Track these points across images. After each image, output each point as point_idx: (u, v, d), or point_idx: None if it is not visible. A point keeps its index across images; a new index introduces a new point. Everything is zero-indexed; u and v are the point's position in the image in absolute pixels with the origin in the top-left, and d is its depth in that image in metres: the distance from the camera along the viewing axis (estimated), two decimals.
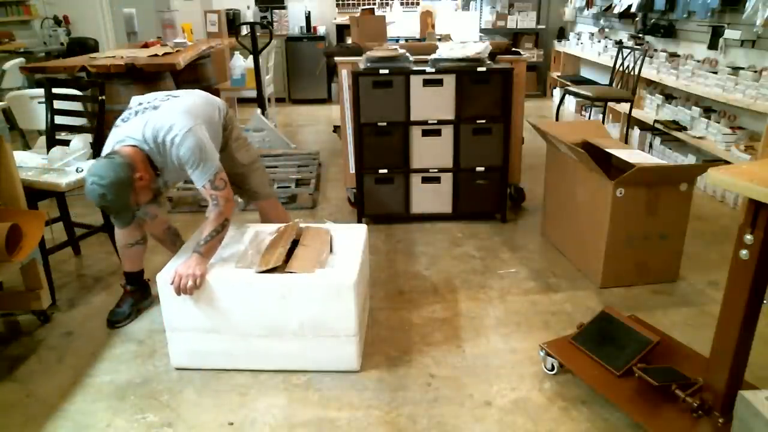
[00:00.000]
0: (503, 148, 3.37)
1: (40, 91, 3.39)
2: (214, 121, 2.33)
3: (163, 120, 2.11)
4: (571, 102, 6.62)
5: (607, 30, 6.43)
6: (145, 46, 5.09)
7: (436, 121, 3.32)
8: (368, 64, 3.29)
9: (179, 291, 2.04)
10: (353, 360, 2.15)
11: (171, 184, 2.44)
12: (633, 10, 5.46)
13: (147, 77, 4.15)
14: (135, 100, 2.30)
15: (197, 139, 2.09)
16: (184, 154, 2.08)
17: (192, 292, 2.04)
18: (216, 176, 2.14)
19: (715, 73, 4.09)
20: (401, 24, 7.27)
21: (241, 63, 5.08)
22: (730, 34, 4.07)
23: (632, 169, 2.52)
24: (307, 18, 7.51)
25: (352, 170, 3.65)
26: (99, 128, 3.06)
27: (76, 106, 3.36)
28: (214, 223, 2.15)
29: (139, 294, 2.61)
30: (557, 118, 5.45)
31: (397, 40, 6.13)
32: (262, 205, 2.71)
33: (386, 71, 3.22)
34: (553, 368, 2.13)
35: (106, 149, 2.15)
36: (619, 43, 5.42)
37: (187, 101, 2.24)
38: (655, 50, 5.16)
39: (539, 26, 7.59)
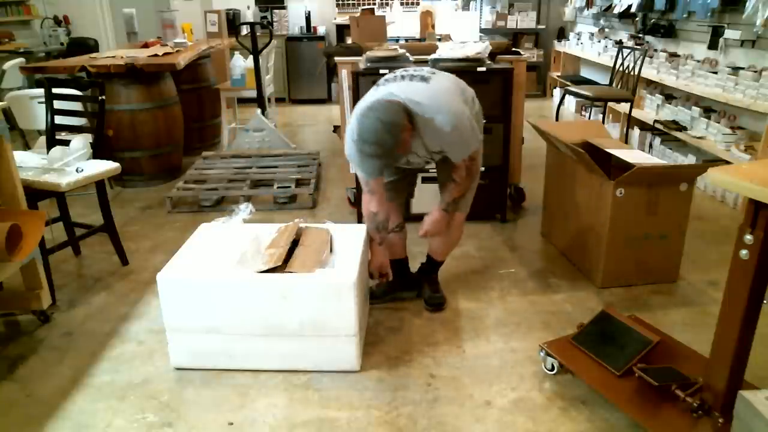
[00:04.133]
0: (503, 148, 3.37)
1: (40, 91, 3.39)
2: (464, 94, 2.30)
3: (433, 99, 2.10)
4: (571, 102, 6.62)
5: (607, 30, 6.43)
6: (145, 46, 5.09)
7: None
8: (368, 64, 3.29)
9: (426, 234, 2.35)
10: (353, 360, 2.15)
11: (407, 162, 2.36)
12: (633, 10, 5.46)
13: (147, 77, 4.16)
14: (398, 71, 2.31)
15: (464, 121, 2.12)
16: (453, 138, 2.11)
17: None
18: (473, 151, 2.21)
19: (715, 73, 4.09)
20: (401, 24, 7.27)
21: (241, 63, 5.08)
22: (730, 34, 4.07)
23: (632, 169, 2.52)
24: (307, 18, 7.51)
25: (352, 170, 3.65)
26: (99, 128, 3.06)
27: (76, 106, 3.36)
28: (461, 187, 2.28)
29: (398, 283, 2.64)
30: (557, 118, 5.45)
31: (397, 40, 6.13)
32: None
33: (386, 71, 3.21)
34: (553, 368, 2.13)
35: (369, 99, 2.13)
36: (619, 43, 5.43)
37: (451, 84, 2.26)
38: (655, 50, 5.16)
39: (539, 26, 7.59)
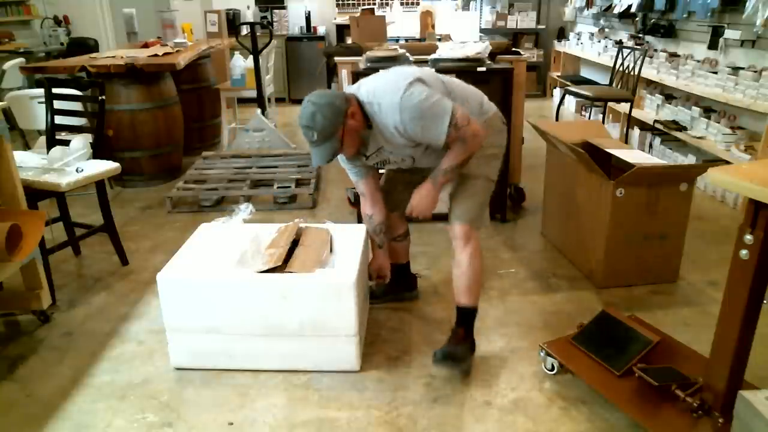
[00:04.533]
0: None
1: (40, 91, 3.39)
2: (454, 92, 2.11)
3: (378, 83, 2.03)
4: (571, 102, 6.62)
5: (607, 30, 6.43)
6: (145, 46, 5.09)
7: None
8: (368, 64, 3.29)
9: (412, 217, 2.21)
10: (353, 360, 2.15)
11: (380, 157, 2.19)
12: (633, 10, 5.46)
13: (147, 77, 4.16)
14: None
15: (413, 96, 1.92)
16: (409, 119, 1.93)
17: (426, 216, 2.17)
18: (453, 117, 1.94)
19: (715, 73, 4.09)
20: (401, 24, 7.27)
21: (241, 63, 5.08)
22: (730, 34, 4.07)
23: (632, 169, 2.52)
24: (307, 18, 7.51)
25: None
26: (99, 128, 3.06)
27: (76, 106, 3.36)
28: (457, 157, 2.05)
29: (398, 283, 2.61)
30: (557, 118, 5.45)
31: (397, 40, 6.13)
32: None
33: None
34: (553, 368, 2.13)
35: None
36: (619, 43, 5.42)
37: (412, 69, 2.14)
38: (655, 50, 5.16)
39: (539, 26, 7.59)
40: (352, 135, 2.01)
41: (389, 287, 2.61)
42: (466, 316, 2.20)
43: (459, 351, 2.12)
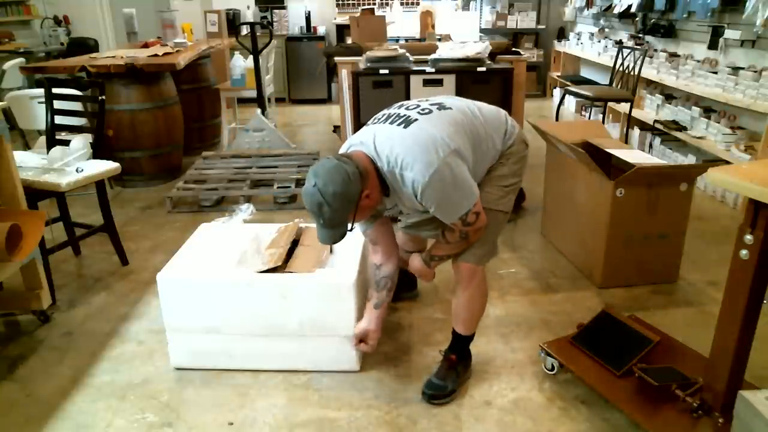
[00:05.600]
0: None
1: (40, 91, 3.39)
2: (480, 137, 1.88)
3: (405, 149, 1.72)
4: (571, 102, 6.62)
5: (607, 30, 6.43)
6: (145, 46, 5.09)
7: None
8: (368, 64, 3.29)
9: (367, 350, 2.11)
10: (353, 360, 2.15)
11: (398, 210, 2.00)
12: (633, 10, 5.46)
13: (147, 77, 4.16)
14: (393, 106, 1.96)
15: (444, 178, 1.71)
16: (428, 198, 1.73)
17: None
18: (468, 213, 1.78)
19: (715, 73, 4.09)
20: (401, 24, 7.27)
21: (241, 63, 5.08)
22: (730, 34, 4.07)
23: (632, 169, 2.52)
24: (307, 18, 7.51)
25: None
26: (99, 128, 3.06)
27: (76, 106, 3.36)
28: (453, 249, 1.92)
29: (398, 285, 2.35)
30: (557, 118, 5.45)
31: (397, 40, 6.13)
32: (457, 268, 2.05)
33: (386, 71, 3.22)
34: (553, 368, 2.13)
35: (344, 147, 1.87)
36: (619, 43, 5.42)
37: (443, 125, 1.80)
38: (655, 50, 5.16)
39: (539, 26, 7.59)
40: (365, 213, 1.82)
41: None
42: (460, 342, 2.12)
43: (446, 386, 2.03)
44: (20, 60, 5.71)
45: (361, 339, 2.10)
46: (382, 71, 3.20)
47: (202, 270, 2.14)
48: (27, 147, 4.17)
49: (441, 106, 1.88)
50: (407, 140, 1.74)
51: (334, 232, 1.76)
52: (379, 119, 1.89)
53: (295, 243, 2.29)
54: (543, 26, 7.61)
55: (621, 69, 4.83)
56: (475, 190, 1.80)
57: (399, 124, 1.79)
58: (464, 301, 2.03)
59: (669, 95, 4.86)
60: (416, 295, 2.65)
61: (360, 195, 1.70)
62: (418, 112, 1.84)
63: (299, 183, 4.10)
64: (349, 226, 1.76)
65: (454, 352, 2.10)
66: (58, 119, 3.14)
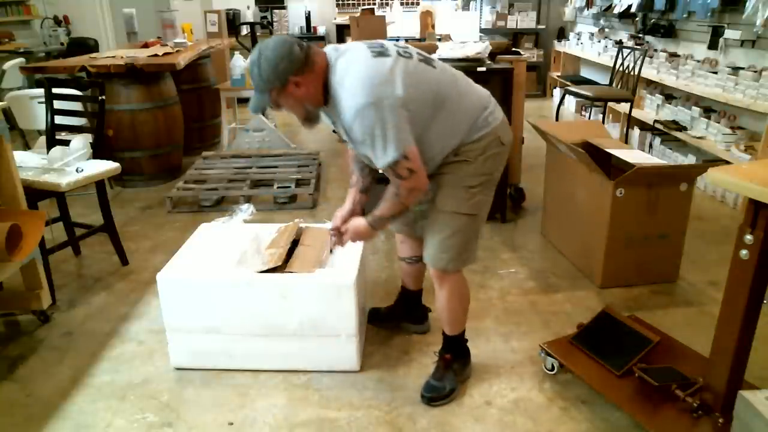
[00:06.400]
0: None
1: (40, 91, 3.40)
2: (446, 108, 1.79)
3: (355, 74, 1.69)
4: (571, 102, 6.62)
5: (607, 30, 6.43)
6: (145, 46, 5.09)
7: None
8: None
9: (338, 244, 2.05)
10: (353, 360, 2.15)
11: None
12: (633, 10, 5.46)
13: (147, 77, 4.16)
14: (396, 43, 1.89)
15: (372, 116, 1.65)
16: (356, 130, 1.70)
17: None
18: (398, 164, 1.69)
19: (715, 73, 4.09)
20: (401, 24, 7.27)
21: (241, 63, 5.07)
22: (730, 34, 4.07)
23: (632, 169, 2.52)
24: (307, 18, 7.51)
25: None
26: (99, 128, 3.06)
27: (76, 106, 3.36)
28: (390, 208, 1.82)
29: (404, 312, 2.41)
30: (557, 118, 5.45)
31: (397, 40, 6.13)
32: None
33: None
34: (553, 368, 2.13)
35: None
36: (619, 43, 5.42)
37: (412, 72, 1.74)
38: (655, 50, 5.16)
39: (539, 26, 7.59)
40: (290, 103, 1.77)
41: (394, 311, 2.43)
42: (452, 343, 2.10)
43: (444, 387, 2.03)
44: (20, 60, 5.71)
45: (339, 229, 2.06)
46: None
47: (202, 270, 2.14)
48: (27, 147, 4.18)
49: (427, 60, 1.82)
50: (363, 68, 1.71)
51: (256, 98, 1.77)
52: (365, 43, 1.82)
53: (295, 243, 2.29)
54: (543, 26, 7.61)
55: (621, 69, 4.83)
56: (405, 141, 1.69)
57: (373, 53, 1.75)
58: (440, 305, 2.03)
59: (669, 95, 4.86)
60: (426, 330, 2.42)
61: (290, 73, 1.69)
62: (398, 52, 1.78)
63: (299, 183, 4.10)
64: (269, 99, 1.75)
65: (448, 351, 2.10)
66: (58, 119, 3.14)
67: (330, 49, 1.80)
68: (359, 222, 1.95)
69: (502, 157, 1.91)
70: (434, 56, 3.28)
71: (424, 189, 1.79)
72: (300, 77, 1.70)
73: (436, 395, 2.02)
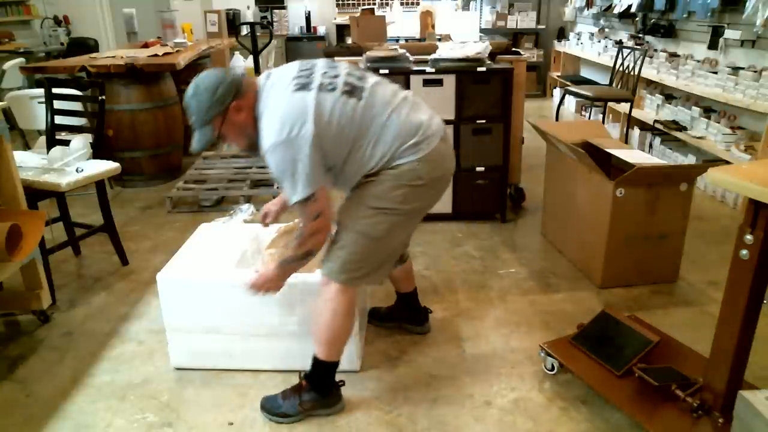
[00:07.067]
0: (503, 148, 3.37)
1: (40, 91, 3.40)
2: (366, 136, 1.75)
3: (274, 109, 1.71)
4: (571, 102, 6.62)
5: (607, 30, 6.43)
6: (145, 46, 5.09)
7: None
8: (368, 64, 3.29)
9: (255, 291, 1.91)
10: (353, 360, 2.15)
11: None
12: (633, 10, 5.46)
13: (147, 77, 4.16)
14: (326, 63, 1.84)
15: (284, 155, 1.67)
16: (270, 163, 1.70)
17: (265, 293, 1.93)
18: (306, 203, 1.70)
19: (715, 73, 4.09)
20: (401, 24, 7.28)
21: (241, 63, 5.08)
22: (730, 34, 4.07)
23: (632, 169, 2.52)
24: (307, 18, 7.52)
25: None
26: (99, 128, 3.06)
27: (76, 106, 3.36)
28: (295, 250, 1.79)
29: (404, 312, 2.40)
30: (557, 118, 5.45)
31: (397, 40, 6.12)
32: None
33: (386, 71, 3.22)
34: (553, 368, 2.13)
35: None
36: (619, 43, 5.42)
37: (338, 108, 1.71)
38: (655, 50, 5.16)
39: (539, 26, 7.60)
40: (234, 131, 1.77)
41: (394, 313, 2.43)
42: (315, 368, 1.92)
43: (280, 407, 1.93)
44: (20, 60, 5.71)
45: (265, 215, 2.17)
46: (382, 71, 3.20)
47: (202, 270, 2.14)
48: (27, 147, 4.18)
49: (351, 91, 1.74)
50: (279, 104, 1.71)
51: (200, 134, 1.75)
52: (295, 70, 1.80)
53: None
54: (543, 26, 7.62)
55: (621, 69, 4.83)
56: (314, 182, 1.68)
57: (295, 86, 1.72)
58: (315, 313, 1.90)
59: (669, 95, 4.86)
60: (427, 330, 2.41)
61: (229, 98, 1.70)
62: (320, 85, 1.72)
63: None
64: (212, 132, 1.75)
65: (309, 377, 1.94)
66: (58, 119, 3.14)
67: (263, 77, 1.83)
68: (270, 270, 1.88)
69: (420, 192, 1.80)
70: (434, 56, 3.29)
71: (325, 233, 1.78)
72: (239, 101, 1.73)
73: (268, 408, 1.95)
